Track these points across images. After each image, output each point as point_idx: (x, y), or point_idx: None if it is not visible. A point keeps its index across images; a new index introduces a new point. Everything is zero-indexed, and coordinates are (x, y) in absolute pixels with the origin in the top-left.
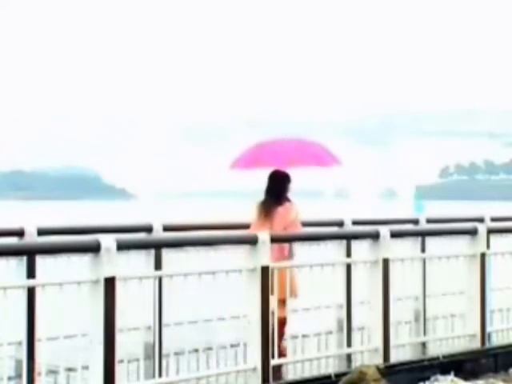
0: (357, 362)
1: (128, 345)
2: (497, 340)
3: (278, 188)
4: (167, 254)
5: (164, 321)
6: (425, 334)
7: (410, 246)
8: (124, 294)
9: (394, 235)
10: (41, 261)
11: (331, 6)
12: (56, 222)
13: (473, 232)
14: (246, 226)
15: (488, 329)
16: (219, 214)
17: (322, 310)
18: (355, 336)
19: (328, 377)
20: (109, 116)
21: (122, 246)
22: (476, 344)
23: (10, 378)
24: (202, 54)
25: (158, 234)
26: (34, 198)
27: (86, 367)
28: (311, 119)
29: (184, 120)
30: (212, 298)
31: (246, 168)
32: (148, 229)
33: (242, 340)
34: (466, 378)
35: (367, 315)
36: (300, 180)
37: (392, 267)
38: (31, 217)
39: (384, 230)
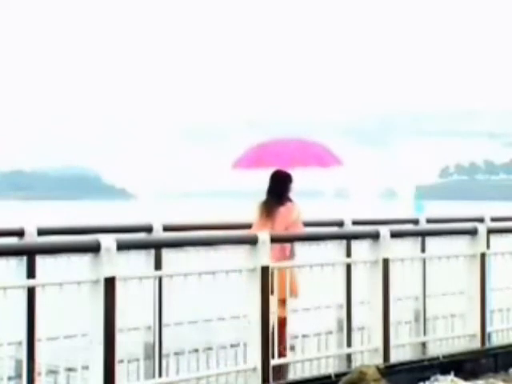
0: (357, 362)
1: (128, 345)
2: (497, 340)
3: (279, 188)
4: (167, 254)
5: (164, 321)
6: (425, 334)
7: (409, 245)
8: (124, 294)
9: (394, 235)
10: (41, 261)
11: (331, 6)
12: (56, 222)
13: (473, 232)
14: (247, 226)
15: (488, 329)
16: (219, 214)
17: (322, 310)
18: (355, 336)
19: (328, 377)
20: (109, 116)
21: (121, 246)
22: (476, 344)
23: (9, 378)
24: (202, 54)
25: (158, 234)
26: (34, 198)
27: (86, 367)
28: (311, 119)
29: (184, 120)
30: (212, 298)
31: (248, 168)
32: (148, 229)
33: (241, 340)
34: (465, 378)
35: (367, 315)
36: (301, 180)
37: (392, 267)
38: (31, 217)
39: (384, 230)
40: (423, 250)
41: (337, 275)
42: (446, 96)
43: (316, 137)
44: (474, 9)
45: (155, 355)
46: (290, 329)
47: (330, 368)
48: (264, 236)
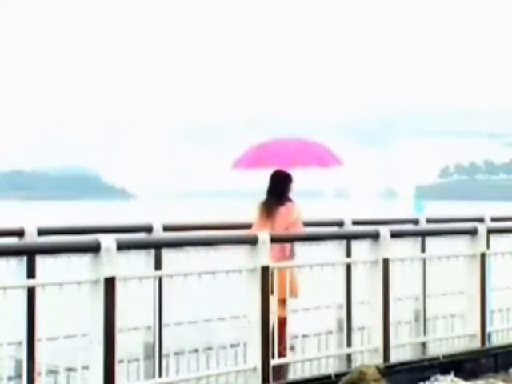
0: (357, 362)
1: (128, 345)
2: (497, 340)
3: (279, 188)
4: (167, 254)
5: (164, 321)
6: (425, 334)
7: (409, 245)
8: (124, 294)
9: (394, 235)
10: (41, 261)
11: (331, 6)
12: (56, 222)
13: (473, 232)
14: (247, 226)
15: (488, 329)
16: (219, 214)
17: (322, 310)
18: (355, 336)
19: (328, 377)
20: (109, 116)
21: (121, 246)
22: (476, 344)
23: (9, 378)
24: (202, 54)
25: (158, 234)
26: (34, 198)
27: (86, 367)
28: (311, 119)
29: (184, 120)
30: (212, 298)
31: (248, 168)
32: (148, 229)
33: (242, 340)
34: (466, 378)
35: (367, 315)
36: (301, 180)
37: (392, 267)
38: (31, 217)
39: (384, 230)
40: (423, 250)
41: (337, 275)
42: (446, 96)
43: (316, 137)
44: (474, 9)
45: (155, 355)
46: (291, 329)
47: (330, 368)
48: (264, 236)
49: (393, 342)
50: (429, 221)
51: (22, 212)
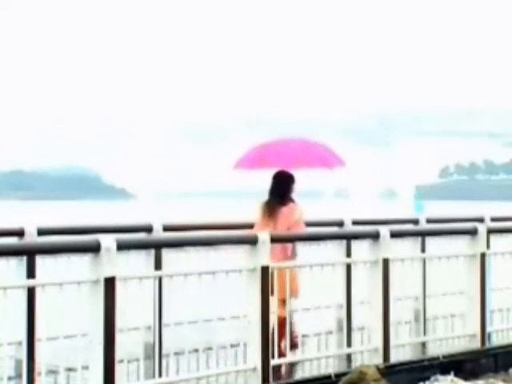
0: (357, 362)
1: (128, 345)
2: (497, 340)
3: (282, 188)
4: (167, 254)
5: (164, 321)
6: (425, 334)
7: (409, 246)
8: (124, 294)
9: (394, 235)
10: (41, 261)
11: (331, 6)
12: (56, 222)
13: (473, 232)
14: (247, 226)
15: (488, 329)
16: (219, 214)
17: (322, 310)
18: (355, 336)
19: (328, 377)
20: (109, 116)
21: (121, 246)
22: (476, 344)
23: (9, 378)
24: (202, 54)
25: (158, 233)
26: (33, 198)
27: (86, 367)
28: (311, 119)
29: (184, 120)
30: (212, 298)
31: (251, 168)
32: (148, 229)
33: (242, 340)
34: (466, 378)
35: (367, 315)
36: (302, 181)
37: (392, 267)
38: (31, 217)
39: (384, 230)
40: (423, 250)
41: (337, 275)
42: (446, 96)
43: (316, 137)
44: (474, 9)
45: (155, 355)
46: (296, 327)
47: (330, 368)
48: (264, 236)
49: (393, 341)
50: (429, 221)
51: (22, 212)
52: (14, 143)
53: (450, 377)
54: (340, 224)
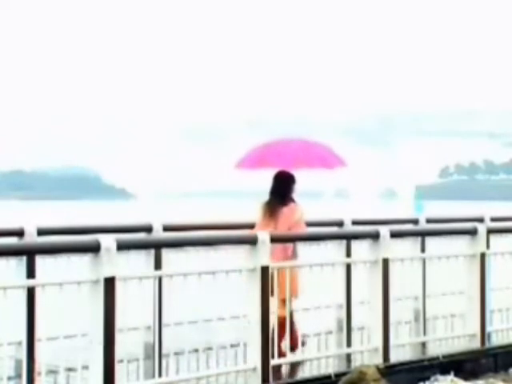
0: (357, 362)
1: (128, 345)
2: (497, 340)
3: (282, 189)
4: (167, 254)
5: (164, 321)
6: (425, 333)
7: (409, 246)
8: (124, 293)
9: (394, 235)
10: (41, 261)
11: (331, 6)
12: (56, 222)
13: (473, 232)
14: (247, 226)
15: (488, 329)
16: (219, 214)
17: (322, 310)
18: (355, 336)
19: (328, 377)
20: (109, 116)
21: (122, 246)
22: (476, 344)
23: (9, 378)
24: (202, 54)
25: (158, 234)
26: (33, 198)
27: (86, 367)
28: (311, 119)
29: (184, 120)
30: (212, 298)
31: (252, 168)
32: (148, 229)
33: (242, 340)
34: (465, 378)
35: (367, 315)
36: (303, 181)
37: (392, 267)
38: (31, 217)
39: (384, 230)
40: (423, 250)
41: (337, 275)
42: (446, 96)
43: (316, 137)
44: (474, 9)
45: (155, 355)
46: (298, 327)
47: (329, 368)
48: (264, 236)
49: (393, 341)
50: (429, 221)
51: (22, 212)
52: (14, 143)
53: (450, 377)
54: (340, 224)
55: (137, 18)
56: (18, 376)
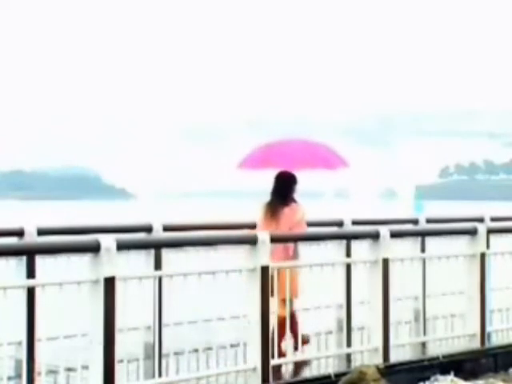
0: (356, 362)
1: (128, 345)
2: (497, 340)
3: (284, 189)
4: (167, 254)
5: (164, 321)
6: (425, 333)
7: (409, 246)
8: (124, 293)
9: (394, 235)
10: (41, 261)
11: (331, 6)
12: (56, 222)
13: (473, 232)
14: (247, 226)
15: (488, 329)
16: (220, 214)
17: (322, 310)
18: (355, 336)
19: (328, 377)
20: (109, 116)
21: (121, 246)
22: (476, 344)
23: (9, 378)
24: (202, 54)
25: (158, 234)
26: (33, 198)
27: (85, 367)
28: (311, 119)
29: (184, 120)
30: (212, 298)
31: (254, 168)
32: (148, 229)
33: (241, 340)
34: (465, 378)
35: (367, 315)
36: (303, 181)
37: (392, 267)
38: (31, 217)
39: (384, 230)
40: (423, 250)
41: (337, 275)
42: (446, 96)
43: (316, 137)
44: (474, 9)
45: (155, 355)
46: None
47: (329, 368)
48: (264, 236)
49: (393, 341)
50: (428, 221)
51: (22, 212)
52: (14, 143)
53: (450, 377)
54: (340, 224)
55: (137, 19)
56: (18, 376)
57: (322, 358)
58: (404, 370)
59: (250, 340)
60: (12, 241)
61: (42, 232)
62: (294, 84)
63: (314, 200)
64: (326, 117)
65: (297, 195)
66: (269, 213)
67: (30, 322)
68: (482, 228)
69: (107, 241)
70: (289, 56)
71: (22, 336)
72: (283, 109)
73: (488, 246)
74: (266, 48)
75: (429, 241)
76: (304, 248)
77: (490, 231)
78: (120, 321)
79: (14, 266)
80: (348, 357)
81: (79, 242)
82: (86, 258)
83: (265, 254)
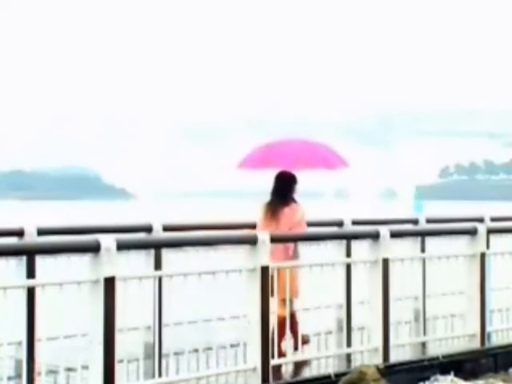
0: (356, 362)
1: (128, 345)
2: (496, 340)
3: (284, 189)
4: (167, 254)
5: (164, 321)
6: (425, 334)
7: (409, 246)
8: (124, 293)
9: (394, 235)
10: (41, 261)
11: (331, 6)
12: (56, 222)
13: (473, 232)
14: (247, 226)
15: (488, 329)
16: (220, 214)
17: (322, 310)
18: (355, 336)
19: (328, 377)
20: (109, 116)
21: (121, 246)
22: (476, 344)
23: (9, 378)
24: (202, 54)
25: (158, 234)
26: (33, 198)
27: (85, 367)
28: (311, 119)
29: (184, 120)
30: (212, 298)
31: (254, 168)
32: (148, 229)
33: (241, 340)
34: (465, 378)
35: (367, 315)
36: (303, 181)
37: (392, 267)
38: (31, 217)
39: (384, 230)
40: (423, 250)
41: (337, 275)
42: (446, 96)
43: (316, 137)
44: (474, 9)
45: (155, 355)
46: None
47: (329, 368)
48: (264, 236)
49: (393, 341)
50: (428, 221)
51: (22, 212)
52: (14, 143)
53: (450, 377)
54: (340, 224)
55: (137, 19)
56: (18, 376)
57: (322, 358)
58: (404, 370)
59: (249, 340)
60: (12, 241)
61: (41, 232)
62: (294, 84)
63: (314, 200)
64: (326, 117)
65: (297, 195)
66: (269, 213)
67: (30, 322)
68: (481, 228)
69: (107, 241)
70: (289, 56)
71: (22, 336)
72: (283, 109)
73: (488, 246)
74: (265, 48)
75: (429, 241)
76: (304, 248)
77: (489, 231)
78: (120, 321)
79: (14, 266)
80: (348, 357)
81: (79, 242)
82: (86, 258)
83: (265, 254)
